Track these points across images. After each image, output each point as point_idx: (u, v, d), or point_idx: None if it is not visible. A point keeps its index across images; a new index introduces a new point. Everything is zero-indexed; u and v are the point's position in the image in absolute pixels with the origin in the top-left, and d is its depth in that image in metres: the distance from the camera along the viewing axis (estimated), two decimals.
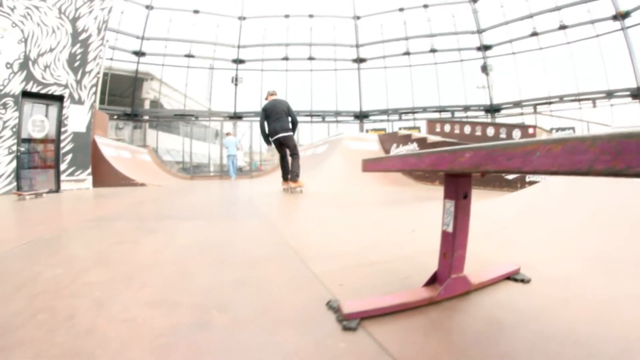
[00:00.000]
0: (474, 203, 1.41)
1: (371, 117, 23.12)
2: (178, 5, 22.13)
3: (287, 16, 23.69)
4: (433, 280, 1.41)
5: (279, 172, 9.05)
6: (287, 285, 1.61)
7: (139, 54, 20.38)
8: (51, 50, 9.64)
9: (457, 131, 13.61)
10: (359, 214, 4.33)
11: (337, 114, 23.16)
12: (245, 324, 1.22)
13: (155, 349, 1.07)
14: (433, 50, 22.52)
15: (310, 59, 23.53)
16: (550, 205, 2.77)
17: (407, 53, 22.90)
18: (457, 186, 1.33)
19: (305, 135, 22.01)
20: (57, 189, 9.22)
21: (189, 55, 21.98)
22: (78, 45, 10.12)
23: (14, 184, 8.56)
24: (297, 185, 6.86)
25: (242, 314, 1.30)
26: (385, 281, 1.61)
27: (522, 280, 1.52)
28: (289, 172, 7.03)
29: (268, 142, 7.16)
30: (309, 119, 22.84)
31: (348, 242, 2.54)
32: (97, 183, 10.04)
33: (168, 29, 21.72)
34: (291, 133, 7.08)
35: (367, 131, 21.88)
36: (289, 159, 7.20)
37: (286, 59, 23.33)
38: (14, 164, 8.66)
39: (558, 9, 18.52)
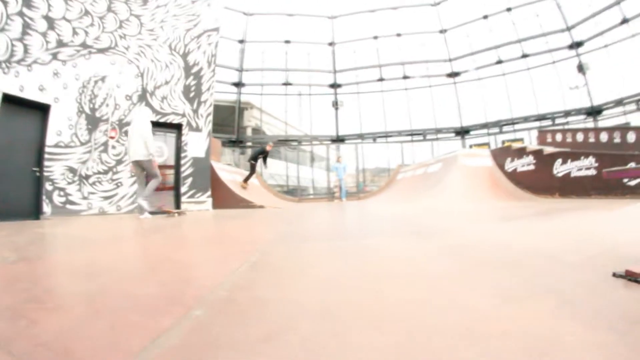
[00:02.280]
0: None
1: (472, 132, 22.02)
2: (270, 37, 23.12)
3: (375, 37, 23.71)
4: None
5: (386, 193, 9.36)
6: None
7: (239, 85, 21.60)
8: (167, 82, 10.40)
9: (569, 139, 13.06)
10: (528, 225, 4.27)
11: (438, 131, 22.40)
12: None
13: None
14: (525, 56, 20.99)
15: (405, 77, 23.17)
16: None
17: (500, 61, 21.62)
18: None
19: (407, 155, 21.60)
20: (176, 210, 9.72)
21: (286, 84, 22.83)
22: (191, 77, 10.82)
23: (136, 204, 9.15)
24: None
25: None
26: None
27: None
28: None
29: None
30: (409, 138, 22.37)
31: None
32: (216, 205, 10.44)
33: (262, 59, 22.78)
34: None
35: (470, 146, 20.97)
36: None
37: (381, 79, 23.22)
38: (136, 185, 9.27)
39: None
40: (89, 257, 2.71)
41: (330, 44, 24.07)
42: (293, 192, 20.19)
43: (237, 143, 20.89)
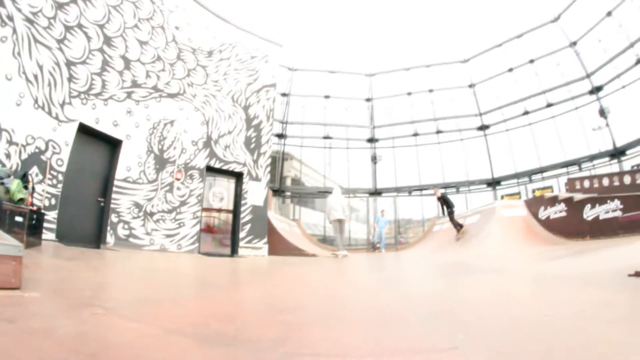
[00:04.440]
0: None
1: (502, 183, 22.26)
2: (311, 91, 24.11)
3: (409, 94, 24.52)
4: None
5: (422, 245, 9.96)
6: None
7: (282, 136, 22.40)
8: (229, 132, 11.00)
9: (596, 185, 13.32)
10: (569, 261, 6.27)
11: (470, 183, 22.68)
12: None
13: None
14: (549, 105, 21.40)
15: (438, 132, 23.76)
16: None
17: (526, 112, 22.06)
18: None
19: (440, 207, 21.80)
20: (233, 254, 10.02)
21: (326, 137, 23.64)
22: (252, 129, 11.45)
23: (197, 244, 9.49)
24: None
25: None
26: None
27: None
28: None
29: None
30: (443, 190, 22.69)
31: None
32: (270, 251, 10.70)
33: (303, 113, 23.68)
34: None
35: (502, 197, 21.14)
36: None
37: (415, 134, 23.82)
38: (197, 227, 9.65)
39: None
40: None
41: (368, 99, 24.98)
42: (328, 242, 20.40)
43: (278, 192, 21.42)
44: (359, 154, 24.26)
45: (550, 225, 11.14)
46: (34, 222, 6.28)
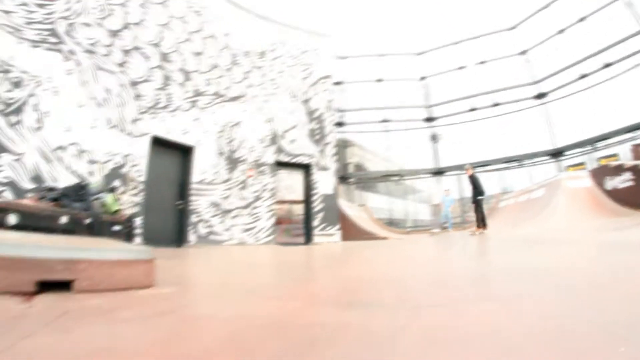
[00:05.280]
0: None
1: (565, 153, 21.07)
2: (363, 77, 24.17)
3: (461, 68, 23.89)
4: None
5: (490, 222, 10.12)
6: None
7: (341, 124, 22.69)
8: (293, 127, 11.35)
9: None
10: None
11: (533, 155, 21.77)
12: None
13: None
14: (607, 65, 19.80)
15: (495, 105, 22.99)
16: None
17: (583, 76, 20.59)
18: None
19: (501, 182, 21.28)
20: (308, 242, 10.50)
21: (384, 121, 23.67)
22: (315, 121, 11.76)
23: (273, 236, 10.08)
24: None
25: None
26: None
27: None
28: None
29: None
30: (505, 165, 22.00)
31: None
32: (342, 237, 11.09)
33: (358, 99, 23.83)
34: None
35: (566, 168, 20.08)
36: None
37: (472, 109, 23.23)
38: (272, 219, 10.23)
39: None
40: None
41: (421, 78, 24.61)
42: (393, 224, 20.55)
43: (343, 179, 21.76)
44: (417, 134, 24.05)
45: (616, 195, 10.55)
46: (128, 229, 7.08)
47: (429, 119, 23.86)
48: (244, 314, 2.04)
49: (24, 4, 6.74)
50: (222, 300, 2.56)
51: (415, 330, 1.61)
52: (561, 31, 20.87)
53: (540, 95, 21.85)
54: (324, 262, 5.59)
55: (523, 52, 22.51)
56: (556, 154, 20.90)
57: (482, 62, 23.55)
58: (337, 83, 23.29)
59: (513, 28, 22.68)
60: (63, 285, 2.52)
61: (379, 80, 24.42)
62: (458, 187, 21.46)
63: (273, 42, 12.03)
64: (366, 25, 24.68)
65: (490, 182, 21.50)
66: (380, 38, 24.85)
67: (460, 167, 22.23)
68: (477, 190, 11.04)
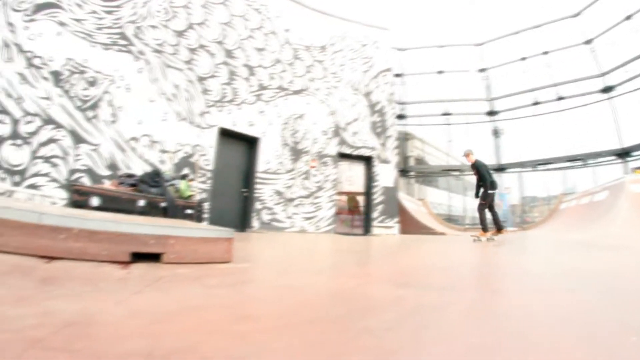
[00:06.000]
0: None
1: (633, 154, 19.27)
2: (423, 69, 23.82)
3: (523, 59, 22.75)
4: None
5: (548, 224, 9.20)
6: None
7: (402, 117, 22.52)
8: (355, 119, 11.51)
9: None
10: None
11: (597, 155, 20.19)
12: None
13: None
14: None
15: (559, 98, 21.62)
16: None
17: None
18: None
19: (563, 182, 20.21)
20: (366, 233, 10.66)
21: (445, 114, 23.18)
22: (376, 114, 11.87)
23: (333, 225, 10.32)
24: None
25: None
26: None
27: None
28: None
29: None
30: (568, 164, 20.75)
31: None
32: (401, 230, 11.15)
33: (418, 91, 23.52)
34: None
35: (632, 170, 18.47)
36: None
37: (536, 103, 22.12)
38: (333, 209, 10.48)
39: None
40: None
41: (482, 70, 23.77)
42: (452, 221, 20.18)
43: (403, 172, 21.57)
44: (479, 128, 23.30)
45: None
46: (198, 213, 7.62)
47: (491, 113, 23.02)
48: (313, 286, 2.32)
49: (94, 12, 7.45)
50: (293, 275, 2.86)
51: (460, 307, 1.92)
52: (629, 17, 19.10)
53: (607, 89, 20.13)
54: (383, 251, 5.80)
55: (588, 42, 20.87)
56: (623, 154, 19.26)
57: (545, 53, 22.27)
58: (398, 75, 23.11)
59: (577, 15, 21.09)
60: (153, 257, 2.91)
61: (440, 72, 23.91)
62: (519, 185, 20.66)
63: (333, 36, 12.16)
64: (425, 16, 24.23)
65: (553, 181, 20.55)
66: (439, 29, 24.26)
67: (521, 165, 21.30)
68: (485, 182, 8.24)
